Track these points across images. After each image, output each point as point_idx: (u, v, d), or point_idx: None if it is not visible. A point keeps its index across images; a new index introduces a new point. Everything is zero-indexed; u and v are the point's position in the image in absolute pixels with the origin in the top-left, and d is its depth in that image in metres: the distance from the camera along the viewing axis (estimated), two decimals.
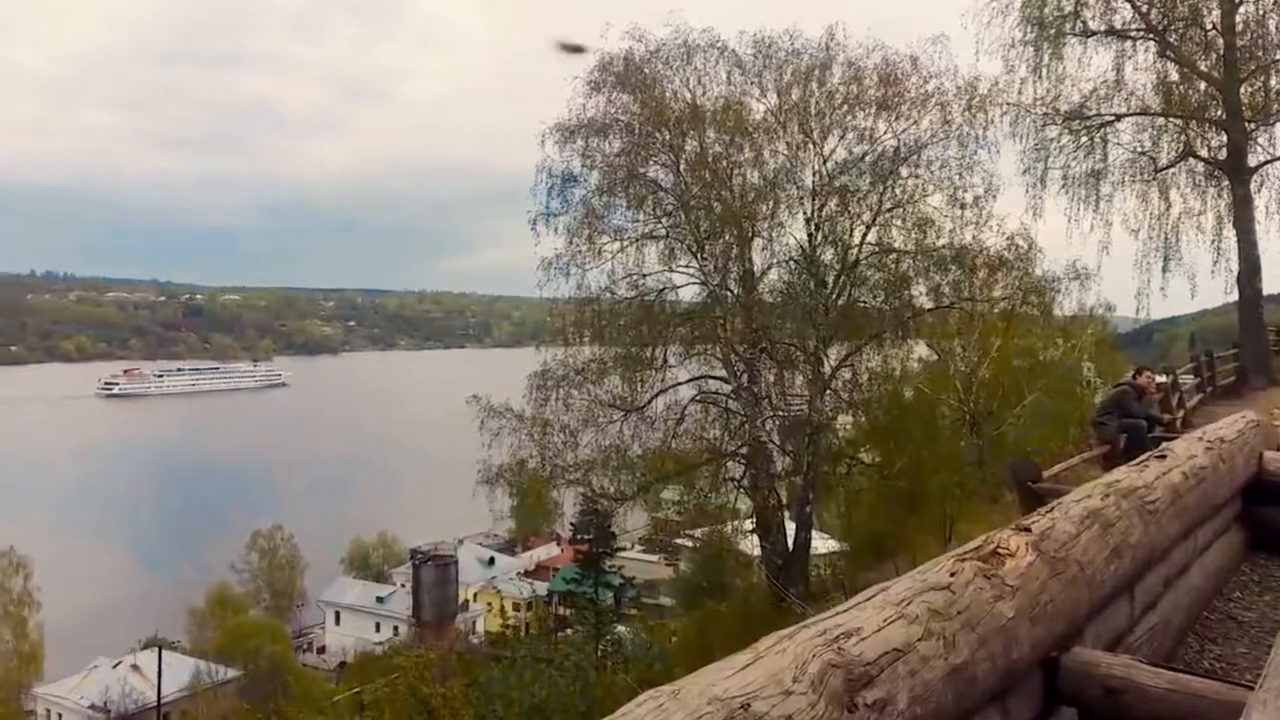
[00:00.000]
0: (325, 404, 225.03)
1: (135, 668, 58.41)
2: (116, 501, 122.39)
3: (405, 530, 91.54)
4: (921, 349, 29.33)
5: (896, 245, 26.21)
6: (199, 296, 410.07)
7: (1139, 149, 27.48)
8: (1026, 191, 27.05)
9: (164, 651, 56.96)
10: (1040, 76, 26.49)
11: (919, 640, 1.90)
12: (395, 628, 70.42)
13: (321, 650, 75.54)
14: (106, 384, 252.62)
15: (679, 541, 66.34)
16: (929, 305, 26.83)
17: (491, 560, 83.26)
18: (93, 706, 56.50)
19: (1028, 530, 2.72)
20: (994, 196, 25.76)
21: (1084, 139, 27.13)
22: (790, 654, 1.61)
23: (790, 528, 26.35)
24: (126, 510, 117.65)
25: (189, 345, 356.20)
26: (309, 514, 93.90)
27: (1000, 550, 2.47)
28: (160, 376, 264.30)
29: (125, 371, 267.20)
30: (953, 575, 2.22)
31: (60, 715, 60.11)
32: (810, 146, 26.28)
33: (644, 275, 26.25)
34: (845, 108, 26.16)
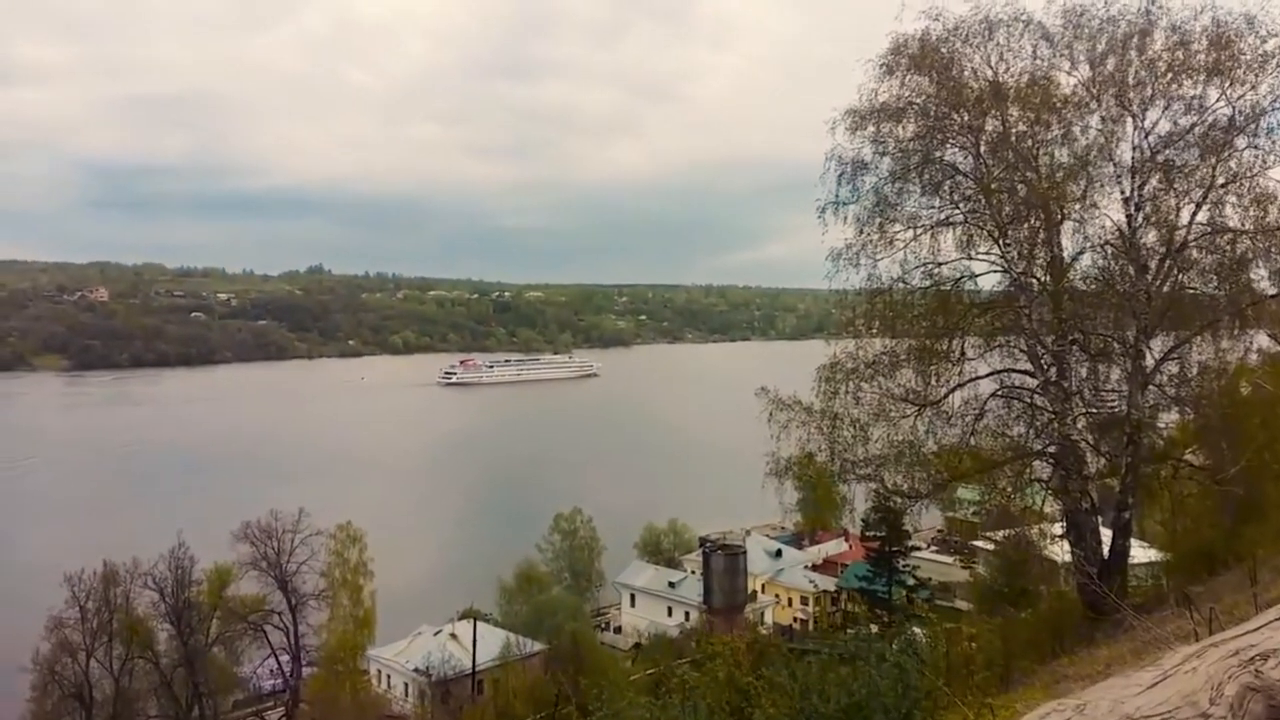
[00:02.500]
0: (626, 393, 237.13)
1: (454, 636, 63.62)
2: (449, 479, 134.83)
3: (694, 518, 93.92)
4: (1262, 339, 26.25)
5: (1232, 224, 23.46)
6: (506, 294, 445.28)
7: None
8: None
9: (478, 623, 62.01)
10: None
11: None
12: (686, 613, 72.37)
13: (618, 630, 79.15)
14: (446, 373, 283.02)
15: (976, 544, 63.61)
16: (1271, 291, 23.85)
17: (779, 552, 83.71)
18: (416, 670, 61.72)
19: None
20: None
21: None
22: (1202, 674, 1.47)
23: (1106, 534, 24.39)
24: (457, 487, 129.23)
25: (499, 339, 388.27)
26: (606, 497, 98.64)
27: None
28: (491, 367, 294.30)
29: (462, 362, 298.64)
30: None
31: (389, 676, 66.37)
32: (1128, 120, 24.10)
33: (939, 264, 24.97)
34: (1169, 76, 23.74)
